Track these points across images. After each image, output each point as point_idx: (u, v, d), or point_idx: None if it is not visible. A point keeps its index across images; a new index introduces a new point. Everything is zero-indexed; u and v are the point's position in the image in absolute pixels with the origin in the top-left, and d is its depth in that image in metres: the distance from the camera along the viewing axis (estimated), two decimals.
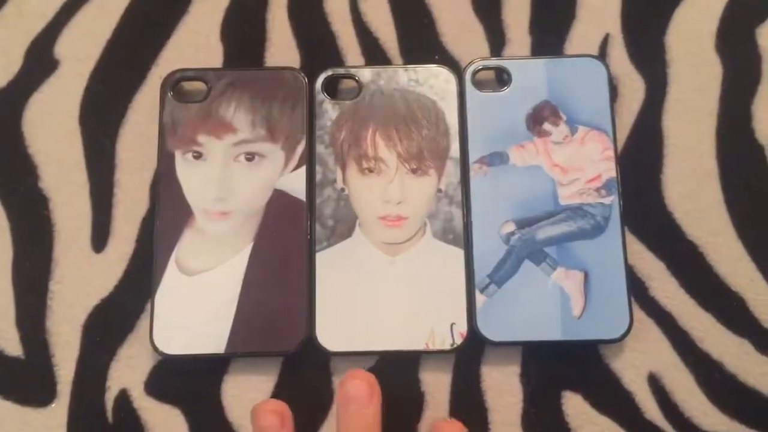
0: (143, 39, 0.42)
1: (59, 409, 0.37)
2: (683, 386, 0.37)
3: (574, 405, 0.37)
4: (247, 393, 0.37)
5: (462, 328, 0.36)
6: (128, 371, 0.37)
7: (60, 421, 0.37)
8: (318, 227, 0.37)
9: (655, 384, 0.37)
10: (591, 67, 0.40)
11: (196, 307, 0.36)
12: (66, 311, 0.38)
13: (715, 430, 0.37)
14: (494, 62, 0.40)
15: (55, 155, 0.40)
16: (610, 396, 0.37)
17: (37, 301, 0.38)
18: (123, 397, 0.37)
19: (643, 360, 0.37)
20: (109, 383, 0.37)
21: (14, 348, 0.38)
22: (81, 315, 0.38)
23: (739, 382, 0.37)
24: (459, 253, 0.37)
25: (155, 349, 0.36)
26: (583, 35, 0.42)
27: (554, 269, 0.37)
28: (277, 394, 0.37)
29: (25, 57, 0.41)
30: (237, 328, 0.36)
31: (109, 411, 0.37)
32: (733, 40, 0.41)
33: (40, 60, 0.41)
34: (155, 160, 0.39)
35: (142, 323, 0.38)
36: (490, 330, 0.36)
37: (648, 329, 0.38)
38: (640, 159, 0.40)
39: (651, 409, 0.37)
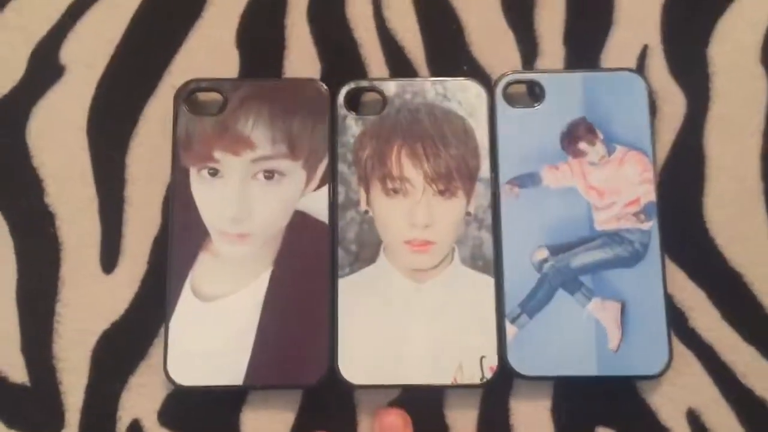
0: (155, 44, 0.39)
1: None
2: (724, 424, 0.35)
3: None
4: (267, 425, 0.35)
5: (492, 361, 0.34)
6: (141, 400, 0.36)
7: None
8: (341, 252, 0.35)
9: (695, 421, 0.35)
10: (629, 82, 0.37)
11: (212, 336, 0.34)
12: (74, 336, 0.36)
13: None
14: (527, 76, 0.38)
15: (62, 168, 0.38)
16: None
17: (44, 324, 0.36)
18: (135, 428, 0.35)
19: (681, 395, 0.36)
20: (120, 413, 0.35)
21: (20, 375, 0.36)
22: (90, 340, 0.36)
23: None
24: (489, 281, 0.35)
25: (169, 379, 0.34)
26: (620, 46, 0.39)
27: (589, 299, 0.35)
28: (298, 427, 0.35)
29: (29, 62, 0.39)
30: (256, 359, 0.34)
31: None
32: None
33: (45, 66, 0.39)
34: (168, 174, 0.37)
35: (155, 350, 0.36)
36: (522, 364, 0.34)
37: (687, 362, 0.36)
38: (681, 180, 0.38)
39: None
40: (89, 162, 0.38)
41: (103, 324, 0.36)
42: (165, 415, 0.35)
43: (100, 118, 0.39)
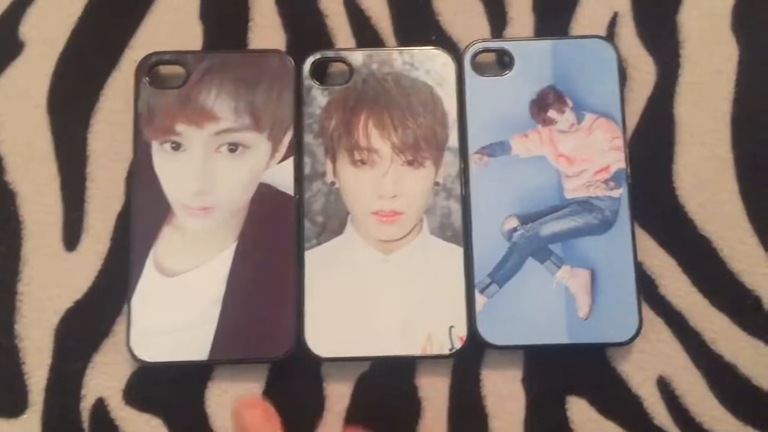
0: (115, 19, 0.39)
1: (32, 420, 0.35)
2: (694, 390, 0.35)
3: (580, 410, 0.35)
4: (232, 401, 0.35)
5: (461, 331, 0.34)
6: (105, 379, 0.35)
7: None
8: (307, 224, 0.35)
9: (665, 388, 0.35)
10: (599, 49, 0.37)
11: (176, 311, 0.34)
12: (37, 315, 0.35)
13: None
14: (495, 44, 0.37)
15: (22, 146, 0.37)
16: (617, 401, 0.35)
17: (5, 304, 0.36)
18: (100, 407, 0.35)
19: (652, 362, 0.35)
20: (84, 391, 0.35)
21: None
22: (53, 319, 0.35)
23: (754, 386, 0.35)
24: (458, 251, 0.35)
25: (133, 356, 0.33)
26: (589, 13, 0.39)
27: (559, 267, 0.35)
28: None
29: None
30: (221, 333, 0.33)
31: (85, 421, 0.35)
32: (750, 18, 0.39)
33: (3, 42, 0.38)
34: (130, 150, 0.36)
35: (119, 328, 0.35)
36: (492, 333, 0.34)
37: (658, 330, 0.36)
38: (651, 148, 0.37)
39: (660, 414, 0.35)
40: (50, 139, 0.37)
41: (66, 302, 0.36)
42: (130, 392, 0.35)
43: (60, 94, 0.38)
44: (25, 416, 0.35)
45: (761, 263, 0.36)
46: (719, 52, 0.38)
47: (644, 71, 0.38)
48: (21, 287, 0.36)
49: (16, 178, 0.37)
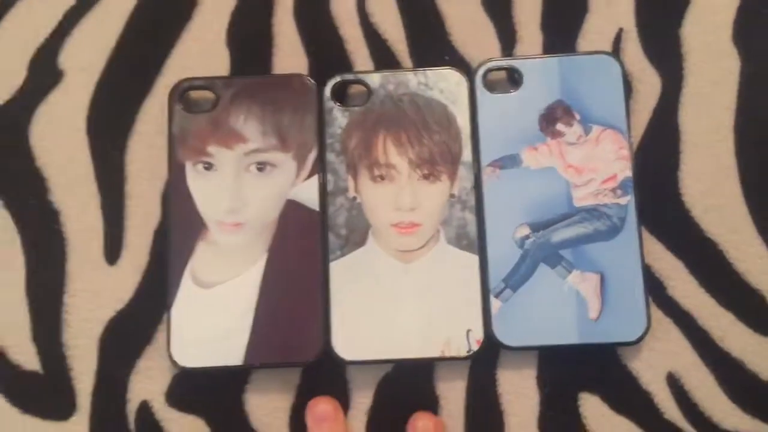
0: (147, 47, 0.41)
1: (80, 422, 0.37)
2: (703, 386, 0.37)
3: (592, 407, 0.37)
4: (270, 401, 0.37)
5: (478, 334, 0.36)
6: (148, 383, 0.37)
7: None
8: (331, 237, 0.37)
9: (675, 384, 0.37)
10: (605, 65, 0.39)
11: (212, 320, 0.36)
12: (82, 324, 0.38)
13: (736, 429, 0.36)
14: (505, 62, 0.39)
15: (64, 168, 0.40)
16: (628, 397, 0.37)
17: (53, 315, 0.38)
18: (144, 409, 0.37)
19: (661, 360, 0.37)
20: (129, 395, 0.37)
21: (32, 363, 0.38)
22: (97, 328, 0.38)
23: (761, 381, 0.37)
24: (473, 259, 0.37)
25: (173, 362, 0.36)
26: (596, 30, 0.41)
27: (570, 272, 0.37)
28: (298, 402, 0.37)
29: (29, 68, 0.41)
30: (254, 340, 0.36)
31: (131, 423, 0.37)
32: (750, 31, 0.40)
33: (44, 71, 0.41)
34: (165, 170, 0.39)
35: (160, 334, 0.38)
36: (507, 335, 0.36)
37: (667, 329, 0.37)
38: (657, 156, 0.39)
39: (670, 410, 0.37)
40: (90, 161, 0.40)
41: (109, 312, 0.38)
42: (172, 396, 0.37)
43: (98, 119, 0.40)
44: (73, 419, 0.37)
45: (765, 263, 0.38)
46: (721, 64, 0.40)
47: (649, 84, 0.40)
48: (67, 299, 0.38)
49: (59, 198, 0.40)
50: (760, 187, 0.39)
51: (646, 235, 0.38)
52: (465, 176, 0.38)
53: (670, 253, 0.38)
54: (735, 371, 0.37)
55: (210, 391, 0.37)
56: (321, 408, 0.36)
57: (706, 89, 0.40)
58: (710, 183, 0.39)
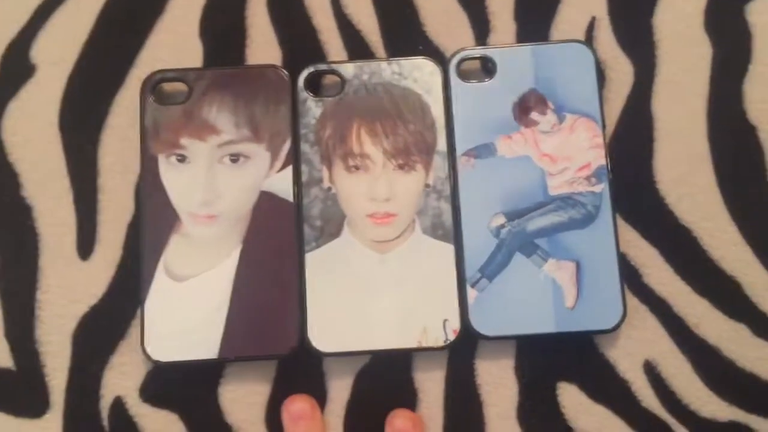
0: (120, 40, 0.41)
1: (53, 419, 0.37)
2: (680, 373, 0.37)
3: (570, 396, 0.37)
4: (244, 396, 0.37)
5: (455, 324, 0.36)
6: (122, 378, 0.37)
7: (55, 431, 0.37)
8: (306, 228, 0.37)
9: (652, 372, 0.37)
10: (578, 53, 0.39)
11: (186, 313, 0.36)
12: (55, 320, 0.38)
13: (714, 416, 0.37)
14: (479, 51, 0.39)
15: (37, 163, 0.39)
16: (605, 385, 0.37)
17: (26, 311, 0.38)
18: (118, 405, 0.37)
19: (638, 348, 0.37)
20: (103, 391, 0.37)
21: (4, 359, 0.37)
22: (70, 324, 0.38)
23: (737, 367, 0.37)
24: (449, 249, 0.37)
25: (147, 357, 0.35)
26: (569, 19, 0.41)
27: (545, 261, 0.37)
28: (274, 396, 0.37)
29: (1, 63, 0.40)
30: (229, 333, 0.36)
31: (105, 419, 0.37)
32: (722, 18, 0.40)
33: (15, 65, 0.40)
34: (138, 164, 0.38)
35: (133, 330, 0.37)
36: (483, 325, 0.36)
37: (643, 317, 0.38)
38: (631, 144, 0.39)
39: (648, 397, 0.37)
40: (63, 155, 0.39)
41: (82, 308, 0.38)
42: (146, 391, 0.37)
43: (71, 113, 0.40)
44: (47, 416, 0.37)
45: (740, 250, 0.38)
46: (693, 52, 0.40)
47: (622, 72, 0.40)
48: (40, 295, 0.38)
49: (31, 193, 0.39)
50: (733, 175, 0.39)
51: (620, 222, 0.38)
52: (440, 166, 0.37)
53: (645, 240, 0.38)
54: (711, 358, 0.37)
55: (184, 386, 0.37)
56: (297, 406, 0.35)
57: (679, 77, 0.40)
58: (684, 170, 0.39)
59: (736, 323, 0.37)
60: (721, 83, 0.40)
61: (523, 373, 0.37)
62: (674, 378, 0.37)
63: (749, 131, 0.39)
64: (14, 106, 0.40)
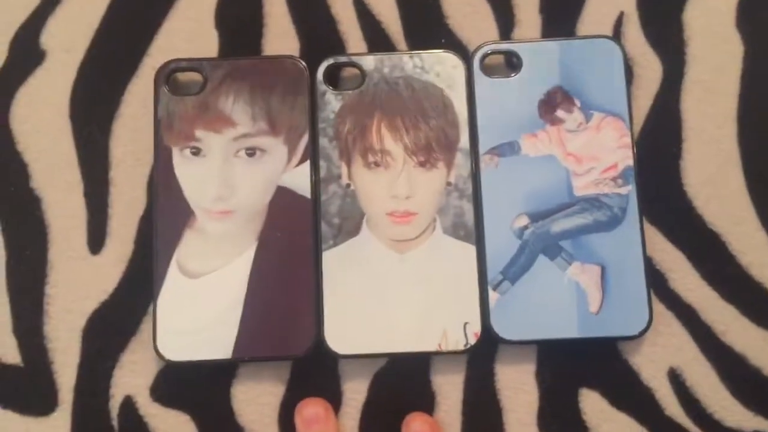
0: (133, 27, 0.40)
1: (62, 418, 0.36)
2: (705, 381, 0.36)
3: (592, 402, 0.36)
4: (257, 397, 0.36)
5: (476, 327, 0.35)
6: (132, 377, 0.36)
7: (63, 430, 0.36)
8: (324, 225, 0.36)
9: (676, 380, 0.36)
10: (606, 49, 0.38)
11: (200, 311, 0.35)
12: (64, 316, 0.37)
13: (739, 426, 0.36)
14: (504, 46, 0.38)
15: (46, 153, 0.38)
16: (628, 393, 0.36)
17: (34, 306, 0.37)
18: (128, 404, 0.36)
19: (663, 355, 0.36)
20: (112, 390, 0.36)
21: (12, 356, 0.36)
22: (80, 320, 0.37)
23: (764, 376, 0.36)
24: (471, 249, 0.36)
25: (159, 355, 0.35)
26: (596, 13, 0.40)
27: (570, 264, 0.35)
28: (287, 398, 0.36)
29: (9, 49, 0.39)
30: (243, 333, 0.35)
31: (114, 418, 0.36)
32: (754, 15, 0.39)
33: (25, 51, 0.39)
34: (151, 155, 0.37)
35: (145, 327, 0.36)
36: (505, 329, 0.35)
37: (668, 323, 0.36)
38: (658, 145, 0.38)
39: (671, 405, 0.36)
40: (73, 145, 0.38)
41: (92, 304, 0.37)
42: (157, 390, 0.36)
43: (82, 101, 0.39)
44: (55, 414, 0.36)
45: None
46: (724, 50, 0.39)
47: (650, 69, 0.39)
48: (48, 290, 0.37)
49: (40, 184, 0.38)
50: (763, 178, 0.38)
51: (646, 225, 0.37)
52: (462, 164, 0.36)
53: (672, 244, 0.37)
54: (738, 366, 0.36)
55: (196, 386, 0.36)
56: (310, 410, 0.34)
57: (709, 75, 0.39)
58: (713, 172, 0.38)
59: (764, 331, 0.36)
60: (752, 83, 0.38)
61: (544, 378, 0.36)
62: (699, 386, 0.36)
63: None
64: (23, 93, 0.39)
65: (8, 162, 0.38)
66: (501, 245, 0.36)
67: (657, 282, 0.37)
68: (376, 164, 0.36)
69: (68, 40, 0.39)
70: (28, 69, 0.39)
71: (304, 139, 0.36)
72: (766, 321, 0.36)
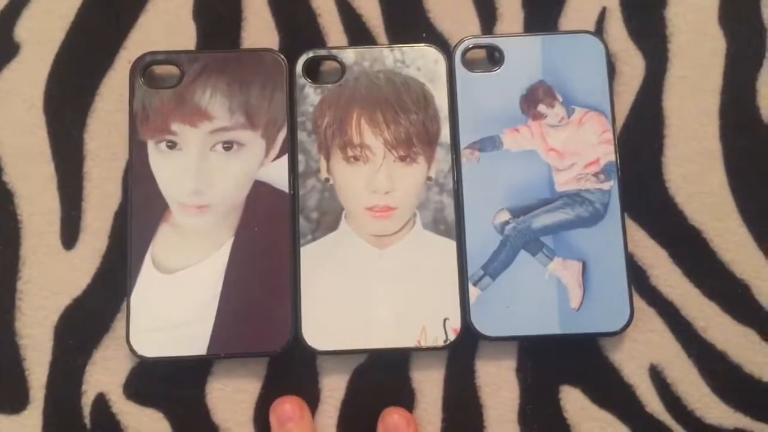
0: (110, 20, 0.39)
1: (33, 416, 0.35)
2: (686, 378, 0.36)
3: (573, 399, 0.36)
4: (232, 394, 0.35)
5: (455, 323, 0.34)
6: (105, 374, 0.35)
7: (34, 428, 0.35)
8: (302, 220, 0.35)
9: (657, 376, 0.36)
10: (588, 44, 0.37)
11: (174, 307, 0.34)
12: (36, 312, 0.36)
13: (719, 423, 0.35)
14: (485, 40, 0.38)
15: (20, 146, 0.38)
16: (609, 389, 0.36)
17: (5, 302, 0.36)
18: (101, 402, 0.35)
19: (644, 351, 0.36)
20: (85, 387, 0.35)
21: None
22: (52, 316, 0.36)
23: (744, 373, 0.36)
24: (451, 245, 0.35)
25: (133, 351, 0.34)
26: (578, 9, 0.39)
27: (551, 260, 0.35)
28: (264, 395, 0.35)
29: None
30: (219, 329, 0.34)
31: (87, 416, 0.35)
32: (737, 12, 0.39)
33: None
34: (126, 149, 0.36)
35: (118, 323, 0.36)
36: (485, 325, 0.34)
37: (649, 319, 0.36)
38: (640, 141, 0.38)
39: (652, 403, 0.36)
40: (47, 139, 0.38)
41: (65, 300, 0.36)
42: (130, 387, 0.35)
43: (56, 95, 0.38)
44: (26, 412, 0.35)
45: (750, 253, 0.37)
46: (707, 46, 0.39)
47: (633, 65, 0.39)
48: (20, 285, 0.36)
49: (13, 178, 0.37)
50: (745, 174, 0.37)
51: (628, 221, 0.37)
52: (442, 158, 0.36)
53: (653, 240, 0.37)
54: (718, 363, 0.36)
55: (170, 383, 0.35)
56: (284, 408, 0.34)
57: (692, 72, 0.39)
58: (695, 169, 0.38)
59: (744, 328, 0.36)
60: (734, 79, 0.38)
61: (524, 375, 0.36)
62: (680, 383, 0.36)
63: (763, 129, 0.38)
64: None
65: None
66: (482, 240, 0.35)
67: (638, 278, 0.36)
68: (356, 158, 0.36)
69: (43, 31, 0.39)
70: (1, 62, 0.38)
71: (283, 133, 0.36)
72: (747, 317, 0.36)
